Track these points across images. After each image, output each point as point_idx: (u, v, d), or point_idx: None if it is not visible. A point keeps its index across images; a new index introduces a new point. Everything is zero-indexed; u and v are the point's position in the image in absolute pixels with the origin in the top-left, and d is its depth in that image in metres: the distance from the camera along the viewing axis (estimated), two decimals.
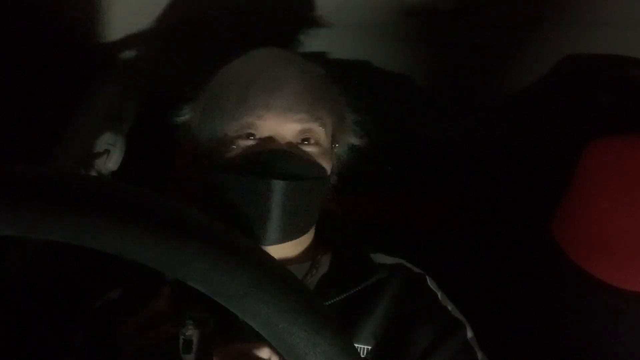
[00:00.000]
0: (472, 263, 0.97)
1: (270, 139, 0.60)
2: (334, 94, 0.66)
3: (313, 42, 0.82)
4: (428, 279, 0.67)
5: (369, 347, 0.60)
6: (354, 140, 0.71)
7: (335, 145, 0.67)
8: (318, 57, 0.69)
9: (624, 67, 0.82)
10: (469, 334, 0.62)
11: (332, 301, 0.60)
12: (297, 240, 0.66)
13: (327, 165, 0.64)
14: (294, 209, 0.59)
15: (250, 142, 0.61)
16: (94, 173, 0.86)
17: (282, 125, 0.60)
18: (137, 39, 0.81)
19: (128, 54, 0.84)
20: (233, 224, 0.61)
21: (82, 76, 0.81)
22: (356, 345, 0.60)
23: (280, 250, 0.63)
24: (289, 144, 0.61)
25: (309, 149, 0.62)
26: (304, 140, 0.62)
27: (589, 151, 0.74)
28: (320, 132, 0.63)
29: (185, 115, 0.69)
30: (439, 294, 0.66)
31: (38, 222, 0.26)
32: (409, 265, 0.69)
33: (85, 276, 0.85)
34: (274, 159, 0.58)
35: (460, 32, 0.80)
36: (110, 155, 0.87)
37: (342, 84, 0.68)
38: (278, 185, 0.57)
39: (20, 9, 0.68)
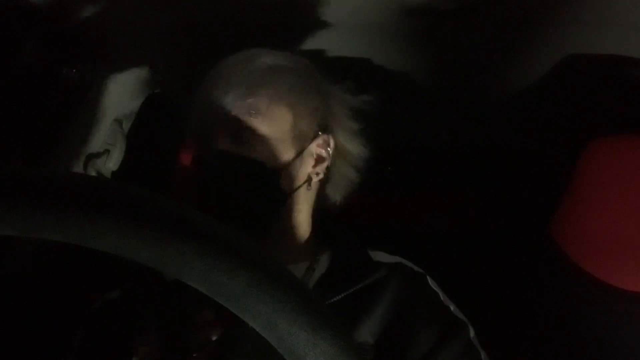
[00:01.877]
0: (472, 263, 0.97)
1: (211, 137, 0.64)
2: (288, 82, 0.65)
3: (314, 41, 0.83)
4: (428, 278, 0.67)
5: (369, 347, 0.59)
6: (353, 124, 0.70)
7: (319, 133, 0.67)
8: (318, 56, 0.69)
9: (624, 67, 0.82)
10: (471, 333, 0.62)
11: (331, 300, 0.60)
12: (294, 239, 0.66)
13: (272, 156, 0.63)
14: (233, 200, 0.63)
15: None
16: (94, 173, 0.86)
17: (218, 124, 0.63)
18: (137, 38, 0.81)
19: (128, 53, 0.84)
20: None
21: (81, 76, 0.81)
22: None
23: (275, 247, 0.64)
24: (229, 139, 0.63)
25: (247, 142, 0.63)
26: (241, 134, 0.63)
27: (589, 151, 0.74)
28: (257, 124, 0.63)
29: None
30: (440, 294, 0.65)
31: (38, 222, 0.26)
32: (408, 264, 0.68)
33: (85, 276, 0.85)
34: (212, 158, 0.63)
35: (460, 32, 0.80)
36: (110, 155, 0.87)
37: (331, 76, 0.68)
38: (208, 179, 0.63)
39: (20, 8, 0.68)
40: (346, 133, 0.70)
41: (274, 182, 0.63)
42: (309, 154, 0.67)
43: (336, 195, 0.71)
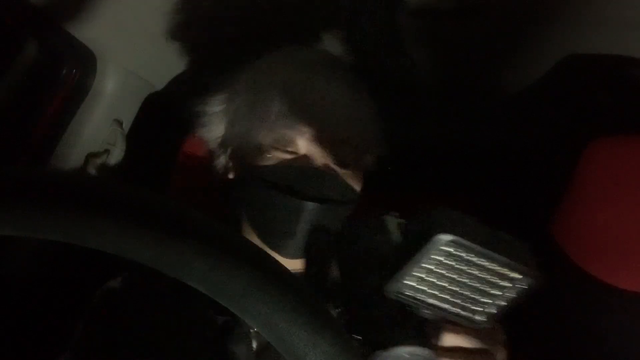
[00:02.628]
0: None
1: (306, 157, 0.60)
2: (371, 109, 0.65)
3: (314, 41, 0.82)
4: None
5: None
6: (381, 151, 0.70)
7: (366, 161, 0.67)
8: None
9: (624, 67, 0.81)
10: None
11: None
12: None
13: (358, 186, 0.63)
14: (317, 229, 0.59)
15: (285, 156, 0.60)
16: (94, 173, 0.86)
17: (321, 145, 0.60)
18: (136, 38, 0.81)
19: (128, 53, 0.84)
20: (256, 229, 0.62)
21: (81, 75, 0.81)
22: None
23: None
24: (325, 164, 0.60)
25: (346, 171, 0.62)
26: (339, 161, 0.61)
27: (590, 151, 0.74)
28: (355, 154, 0.62)
29: (211, 107, 0.68)
30: None
31: (38, 222, 0.26)
32: None
33: (84, 275, 0.85)
34: (309, 179, 0.58)
35: (461, 32, 0.80)
36: (110, 155, 0.87)
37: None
38: (309, 207, 0.57)
39: (19, 8, 0.68)
40: None
41: (351, 209, 0.63)
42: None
43: None
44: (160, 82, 0.95)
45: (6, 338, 0.76)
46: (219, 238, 0.28)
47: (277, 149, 0.60)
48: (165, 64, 0.92)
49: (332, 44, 0.81)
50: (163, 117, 1.07)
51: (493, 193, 1.18)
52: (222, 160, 0.69)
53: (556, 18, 0.73)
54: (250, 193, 0.61)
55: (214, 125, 0.68)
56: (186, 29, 0.81)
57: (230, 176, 0.67)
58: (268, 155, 0.60)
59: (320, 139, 0.59)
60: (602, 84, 0.87)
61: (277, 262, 0.30)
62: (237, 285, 0.27)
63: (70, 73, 0.80)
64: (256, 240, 0.63)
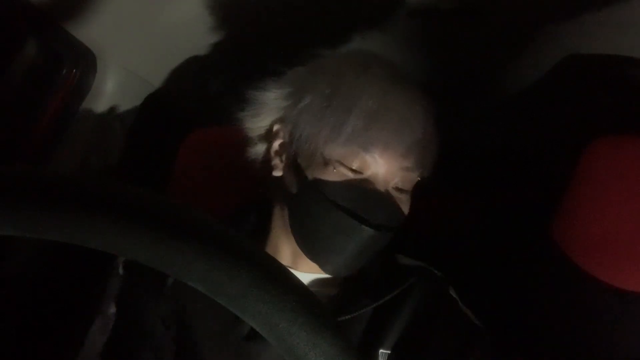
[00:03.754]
0: (471, 264, 0.97)
1: (373, 180, 0.58)
2: (439, 133, 0.62)
3: (316, 41, 0.82)
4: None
5: (389, 352, 0.59)
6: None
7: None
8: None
9: (624, 67, 0.81)
10: (489, 338, 0.62)
11: (366, 309, 0.60)
12: None
13: (408, 210, 0.62)
14: (365, 252, 0.58)
15: (349, 174, 0.57)
16: (94, 173, 0.86)
17: (390, 170, 0.57)
18: (136, 38, 0.81)
19: (128, 53, 0.84)
20: (299, 237, 0.60)
21: (81, 75, 0.81)
22: (383, 351, 0.59)
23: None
24: (387, 189, 0.58)
25: (402, 196, 0.60)
26: (401, 188, 0.59)
27: (590, 151, 0.74)
28: (415, 179, 0.61)
29: (269, 98, 0.63)
30: (459, 300, 0.65)
31: (38, 222, 0.26)
32: (430, 268, 0.68)
33: (84, 275, 0.85)
34: (370, 203, 0.56)
35: (461, 32, 0.80)
36: (110, 155, 0.87)
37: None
38: (368, 232, 0.56)
39: (19, 8, 0.68)
40: None
41: (392, 237, 0.61)
42: None
43: None
44: (160, 82, 0.95)
45: (6, 338, 0.76)
46: (219, 238, 0.28)
47: (343, 165, 0.57)
48: (165, 64, 0.92)
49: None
50: (163, 117, 1.07)
51: (493, 193, 1.18)
52: (262, 152, 0.66)
53: (556, 18, 0.73)
54: (304, 202, 0.59)
55: (265, 116, 0.64)
56: (188, 29, 0.81)
57: (276, 173, 0.64)
58: (332, 169, 0.57)
59: (390, 164, 0.57)
60: (602, 84, 0.87)
61: (277, 262, 0.30)
62: (237, 285, 0.27)
63: (70, 73, 0.80)
64: (291, 243, 0.62)
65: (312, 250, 0.59)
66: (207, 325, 0.60)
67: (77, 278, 0.85)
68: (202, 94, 1.09)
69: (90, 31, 0.75)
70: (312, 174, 0.59)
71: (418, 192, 0.67)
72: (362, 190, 0.57)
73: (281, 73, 0.64)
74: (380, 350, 0.59)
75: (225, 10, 0.78)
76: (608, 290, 0.70)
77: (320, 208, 0.57)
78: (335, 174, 0.57)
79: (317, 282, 0.64)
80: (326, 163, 0.58)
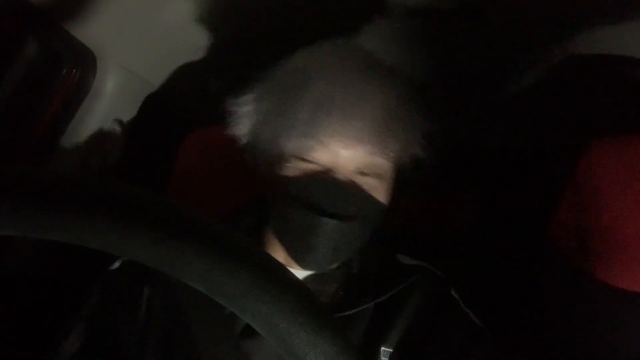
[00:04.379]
0: (470, 264, 0.97)
1: (330, 169, 0.57)
2: (412, 114, 0.61)
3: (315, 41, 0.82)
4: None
5: (391, 350, 0.59)
6: (421, 153, 0.66)
7: (401, 167, 0.63)
8: None
9: (624, 67, 0.81)
10: (490, 338, 0.62)
11: (366, 306, 0.60)
12: None
13: (385, 198, 0.60)
14: (344, 244, 0.58)
15: (307, 166, 0.57)
16: (94, 173, 0.86)
17: (345, 156, 0.56)
18: (136, 38, 0.81)
19: (128, 53, 0.84)
20: (278, 239, 0.61)
21: (81, 75, 0.81)
22: (385, 348, 0.59)
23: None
24: (348, 175, 0.57)
25: (370, 181, 0.58)
26: (364, 171, 0.58)
27: (589, 151, 0.74)
28: (384, 164, 0.59)
29: (240, 107, 0.64)
30: (460, 300, 0.65)
31: (38, 222, 0.26)
32: (432, 268, 0.68)
33: (83, 275, 0.85)
34: (331, 193, 0.56)
35: (461, 32, 0.80)
36: (110, 155, 0.87)
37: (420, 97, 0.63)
38: (329, 224, 0.55)
39: (19, 8, 0.68)
40: None
41: (377, 221, 0.61)
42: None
43: None
44: (160, 82, 0.95)
45: (6, 338, 0.76)
46: (219, 238, 0.28)
47: (298, 158, 0.57)
48: (165, 64, 0.92)
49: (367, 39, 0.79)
50: (163, 117, 1.07)
51: (493, 193, 1.18)
52: (250, 160, 0.66)
53: (556, 18, 0.73)
54: (275, 202, 0.60)
55: (242, 125, 0.65)
56: (187, 29, 0.81)
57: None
58: (288, 165, 0.58)
59: (344, 150, 0.56)
60: (602, 84, 0.87)
61: (277, 262, 0.30)
62: (237, 285, 0.27)
63: (70, 73, 0.80)
64: (280, 248, 0.61)
65: (289, 248, 0.59)
66: (202, 322, 0.60)
67: (77, 279, 0.85)
68: (202, 94, 1.09)
69: (90, 31, 0.75)
70: (275, 172, 0.59)
71: (418, 192, 0.67)
72: (321, 182, 0.56)
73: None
74: (382, 348, 0.59)
75: (225, 10, 0.78)
76: (608, 290, 0.70)
77: (287, 206, 0.57)
78: (293, 169, 0.58)
79: (314, 279, 0.63)
80: (284, 159, 0.58)
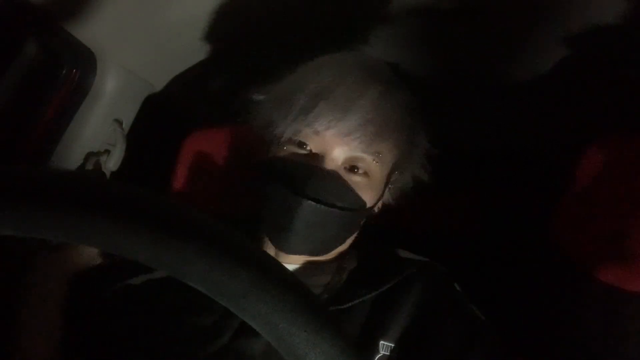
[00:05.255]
0: (471, 264, 0.97)
1: (319, 157, 0.59)
2: (408, 125, 0.63)
3: (315, 41, 0.82)
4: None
5: (393, 345, 0.59)
6: (420, 172, 0.69)
7: (394, 175, 0.65)
8: None
9: (624, 67, 0.82)
10: (494, 333, 0.62)
11: (364, 298, 0.60)
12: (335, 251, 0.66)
13: (370, 198, 0.62)
14: (318, 230, 0.58)
15: (299, 151, 0.60)
16: (94, 173, 0.86)
17: (336, 148, 0.59)
18: (136, 38, 0.81)
19: (128, 53, 0.84)
20: (262, 220, 0.63)
21: (81, 75, 0.81)
22: (384, 342, 0.59)
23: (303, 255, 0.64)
24: (337, 167, 0.59)
25: (356, 178, 0.60)
26: (353, 167, 0.60)
27: (590, 151, 0.74)
28: (373, 165, 0.61)
29: (255, 96, 0.68)
30: (463, 294, 0.65)
31: (38, 221, 0.26)
32: (435, 263, 0.68)
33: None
34: (313, 178, 0.57)
35: (461, 32, 0.80)
36: (110, 155, 0.87)
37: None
38: (308, 206, 0.56)
39: (19, 8, 0.68)
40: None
41: (361, 219, 0.62)
42: (388, 187, 0.67)
43: (390, 199, 0.71)
44: (160, 82, 0.95)
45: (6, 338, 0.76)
46: (219, 238, 0.28)
47: (292, 143, 0.60)
48: (165, 63, 0.92)
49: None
50: (163, 117, 1.07)
51: (493, 193, 1.18)
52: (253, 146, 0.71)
53: (556, 18, 0.73)
54: (261, 183, 0.62)
55: (255, 113, 0.68)
56: (188, 29, 0.81)
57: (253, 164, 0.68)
58: (284, 148, 0.61)
59: (335, 142, 0.58)
60: (602, 84, 0.87)
61: (277, 262, 0.30)
62: (237, 285, 0.27)
63: (70, 73, 0.80)
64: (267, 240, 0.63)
65: (268, 230, 0.61)
66: (192, 323, 0.60)
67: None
68: (202, 94, 1.09)
69: (90, 31, 0.75)
70: (269, 154, 0.63)
71: (417, 191, 0.67)
72: (307, 167, 0.58)
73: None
74: (381, 342, 0.59)
75: (225, 10, 0.78)
76: (608, 291, 0.70)
77: (269, 184, 0.59)
78: (285, 152, 0.61)
79: (305, 270, 0.64)
80: (278, 144, 0.61)
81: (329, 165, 0.59)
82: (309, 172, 0.57)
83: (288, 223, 0.57)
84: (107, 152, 0.87)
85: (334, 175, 0.58)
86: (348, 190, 0.59)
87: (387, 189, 0.66)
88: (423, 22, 0.78)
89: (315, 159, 0.59)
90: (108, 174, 0.87)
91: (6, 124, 0.78)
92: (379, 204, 0.67)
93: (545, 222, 0.80)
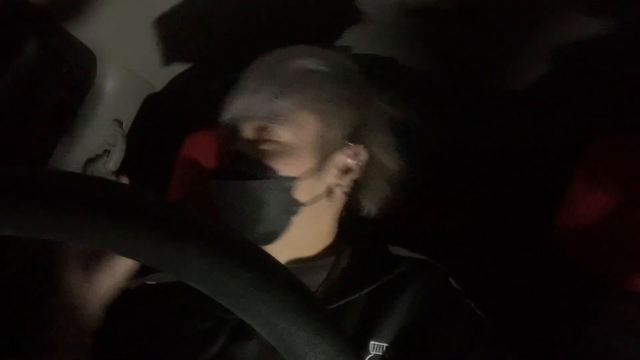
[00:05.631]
0: (472, 264, 0.97)
1: (234, 136, 0.63)
2: (319, 88, 0.62)
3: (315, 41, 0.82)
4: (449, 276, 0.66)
5: (387, 345, 0.57)
6: (391, 138, 0.67)
7: (348, 144, 0.64)
8: None
9: (624, 67, 0.82)
10: (494, 331, 0.61)
11: (354, 296, 0.59)
12: (312, 245, 0.65)
13: (293, 166, 0.60)
14: (237, 210, 0.58)
15: (231, 138, 0.64)
16: (94, 173, 0.86)
17: (243, 124, 0.63)
18: (136, 38, 0.81)
19: (128, 53, 0.84)
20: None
21: (81, 75, 0.81)
22: (375, 342, 0.57)
23: (295, 250, 0.64)
24: (248, 141, 0.62)
25: (265, 147, 0.60)
26: (261, 138, 0.61)
27: (590, 151, 0.74)
28: (280, 129, 0.60)
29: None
30: (462, 292, 0.64)
31: (38, 222, 0.26)
32: (432, 261, 0.67)
33: None
34: (231, 161, 0.62)
35: (461, 32, 0.80)
36: (110, 155, 0.87)
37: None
38: (221, 184, 0.60)
39: (19, 8, 0.68)
40: (382, 146, 0.67)
41: (287, 191, 0.60)
42: (333, 165, 0.63)
43: (371, 207, 0.69)
44: (160, 82, 0.95)
45: (6, 337, 0.76)
46: (219, 238, 0.28)
47: (228, 132, 0.64)
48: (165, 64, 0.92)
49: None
50: (163, 117, 1.07)
51: (493, 193, 1.18)
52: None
53: (556, 18, 0.73)
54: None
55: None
56: (187, 28, 0.81)
57: None
58: (225, 138, 0.65)
59: (241, 118, 0.63)
60: (602, 84, 0.87)
61: (277, 262, 0.30)
62: (237, 285, 0.27)
63: (70, 73, 0.80)
64: None
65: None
66: (186, 329, 0.60)
67: None
68: (202, 94, 1.09)
69: (90, 31, 0.75)
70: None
71: (418, 191, 0.67)
72: (232, 151, 0.62)
73: None
74: (372, 342, 0.57)
75: (225, 10, 0.78)
76: (609, 290, 0.70)
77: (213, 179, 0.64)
78: (225, 141, 0.65)
79: (297, 269, 0.63)
80: (222, 134, 0.66)
81: (242, 143, 0.62)
82: (230, 155, 0.62)
83: (219, 206, 0.60)
84: (107, 152, 0.87)
85: (237, 152, 0.61)
86: (255, 161, 0.60)
87: (332, 156, 0.63)
88: (423, 22, 0.78)
89: (233, 140, 0.63)
90: (108, 174, 0.87)
91: (6, 124, 0.78)
92: (345, 181, 0.65)
93: (546, 222, 0.80)
